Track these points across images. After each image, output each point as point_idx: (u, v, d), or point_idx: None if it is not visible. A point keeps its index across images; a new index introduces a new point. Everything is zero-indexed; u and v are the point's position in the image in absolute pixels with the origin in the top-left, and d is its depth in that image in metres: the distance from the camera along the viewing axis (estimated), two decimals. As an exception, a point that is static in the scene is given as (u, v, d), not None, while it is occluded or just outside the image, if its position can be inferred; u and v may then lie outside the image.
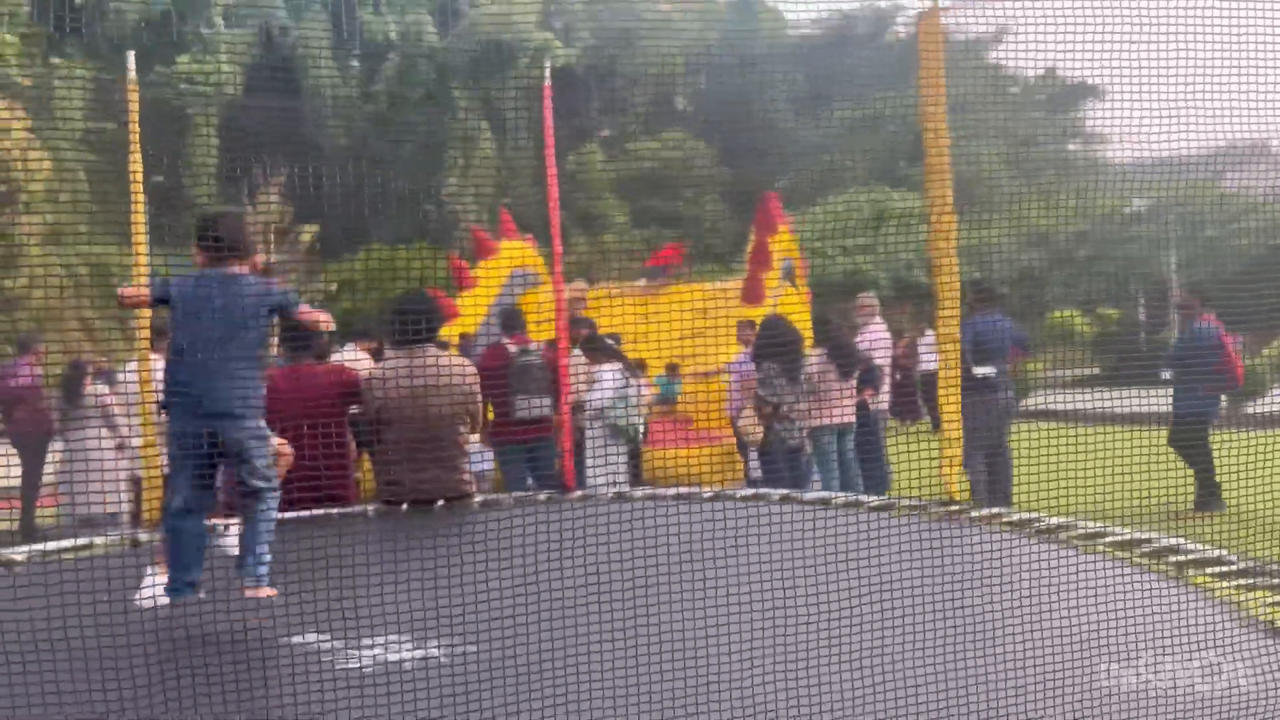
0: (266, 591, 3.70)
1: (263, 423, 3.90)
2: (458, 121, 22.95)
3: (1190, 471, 7.26)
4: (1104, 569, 3.69)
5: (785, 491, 5.83)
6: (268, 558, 3.76)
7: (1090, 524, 4.30)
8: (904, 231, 21.82)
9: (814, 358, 7.90)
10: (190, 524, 3.78)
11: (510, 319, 8.03)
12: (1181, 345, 8.93)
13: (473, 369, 6.02)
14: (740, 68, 28.66)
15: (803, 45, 30.21)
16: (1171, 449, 6.34)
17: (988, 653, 2.94)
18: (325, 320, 4.19)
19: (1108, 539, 4.15)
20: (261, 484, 3.79)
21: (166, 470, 3.94)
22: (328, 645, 3.32)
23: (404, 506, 5.43)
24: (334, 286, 18.17)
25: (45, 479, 8.41)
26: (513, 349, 7.62)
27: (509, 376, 7.19)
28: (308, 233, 20.02)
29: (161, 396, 3.86)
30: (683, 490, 5.75)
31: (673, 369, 9.92)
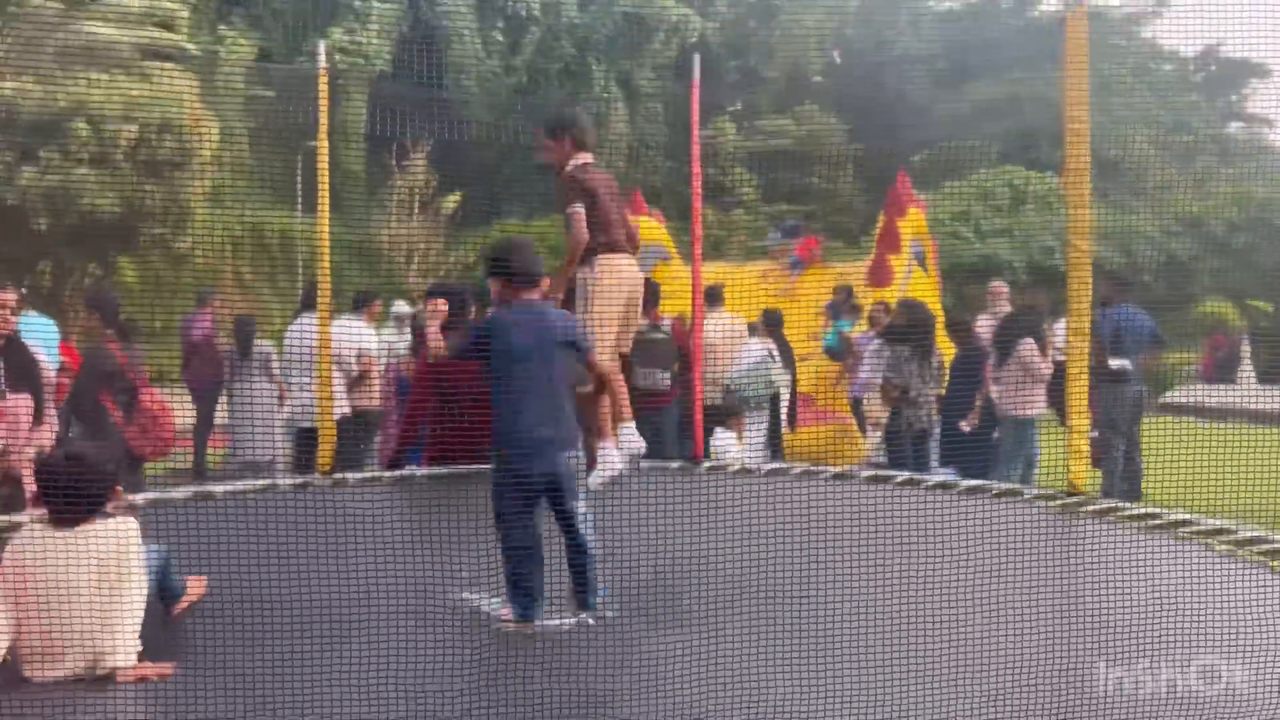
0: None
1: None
2: (593, 96, 23.33)
3: None
4: (1216, 564, 3.76)
5: (908, 474, 5.99)
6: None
7: (1214, 521, 4.35)
8: (1042, 214, 21.23)
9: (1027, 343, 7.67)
10: (537, 558, 3.68)
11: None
12: None
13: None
14: (879, 42, 28.18)
15: (945, 19, 29.47)
16: None
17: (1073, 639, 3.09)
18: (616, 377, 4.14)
19: (1231, 536, 4.19)
20: (580, 507, 3.75)
21: (502, 511, 3.66)
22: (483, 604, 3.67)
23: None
24: (473, 257, 18.84)
25: (215, 423, 9.17)
26: (641, 324, 7.86)
27: (633, 350, 7.42)
28: (450, 202, 20.76)
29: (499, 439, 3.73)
30: (809, 468, 5.98)
31: (847, 303, 9.73)
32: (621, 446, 4.15)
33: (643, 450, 4.23)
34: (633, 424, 4.26)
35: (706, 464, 6.44)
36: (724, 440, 7.67)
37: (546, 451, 3.61)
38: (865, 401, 8.67)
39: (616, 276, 4.39)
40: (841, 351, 9.17)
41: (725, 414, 7.84)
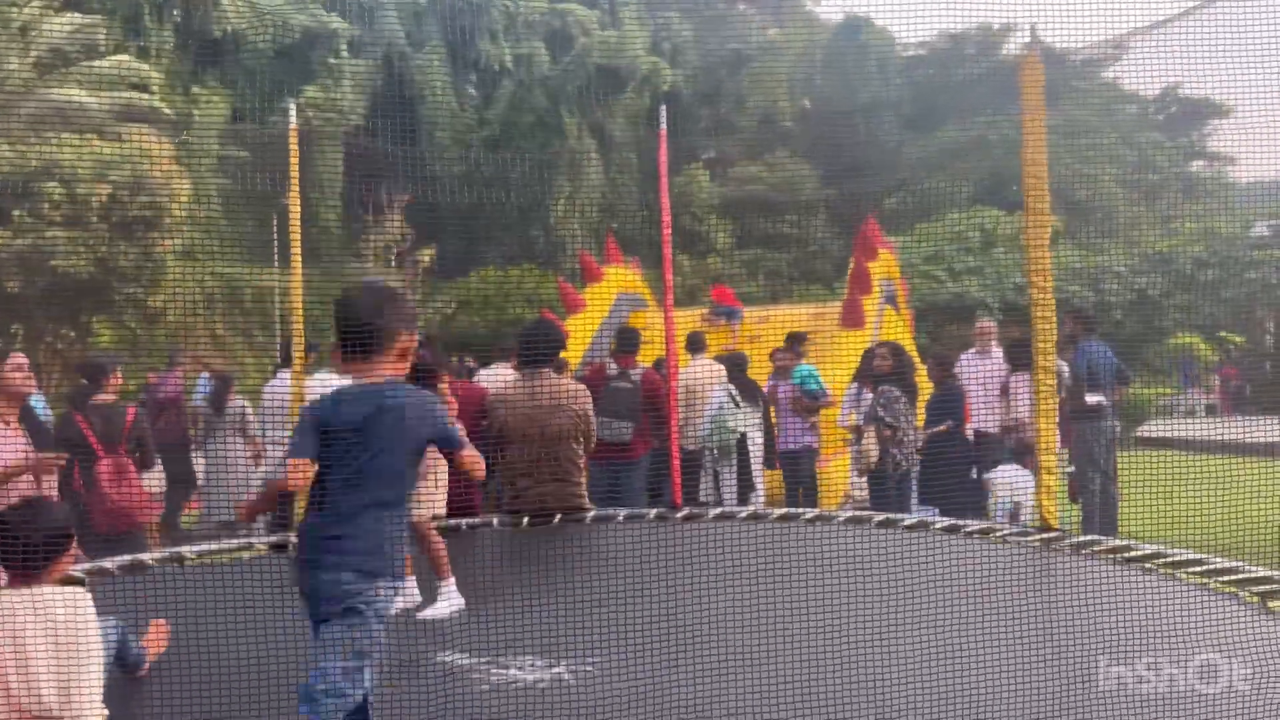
0: None
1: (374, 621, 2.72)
2: (566, 147, 23.59)
3: None
4: (1182, 594, 3.77)
5: (886, 515, 5.98)
6: None
7: (1185, 552, 4.36)
8: (1013, 254, 21.55)
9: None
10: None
11: (625, 340, 7.78)
12: None
13: (586, 392, 6.32)
14: (847, 89, 28.67)
15: (911, 66, 30.05)
16: None
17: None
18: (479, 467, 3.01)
19: (1204, 568, 4.20)
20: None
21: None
22: (467, 663, 3.58)
23: (525, 519, 5.78)
24: (452, 307, 18.84)
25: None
26: (611, 369, 7.57)
27: (598, 398, 7.14)
28: (426, 254, 20.82)
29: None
30: (788, 511, 5.96)
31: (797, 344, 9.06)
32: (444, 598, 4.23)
33: (462, 607, 4.23)
34: (452, 581, 4.29)
35: (684, 510, 6.37)
36: (1012, 474, 6.81)
37: (312, 566, 2.71)
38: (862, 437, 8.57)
39: None
40: (822, 393, 8.85)
41: (1021, 453, 6.84)
